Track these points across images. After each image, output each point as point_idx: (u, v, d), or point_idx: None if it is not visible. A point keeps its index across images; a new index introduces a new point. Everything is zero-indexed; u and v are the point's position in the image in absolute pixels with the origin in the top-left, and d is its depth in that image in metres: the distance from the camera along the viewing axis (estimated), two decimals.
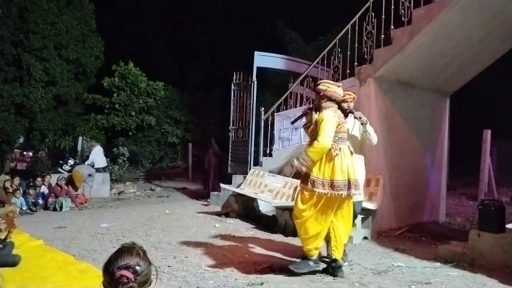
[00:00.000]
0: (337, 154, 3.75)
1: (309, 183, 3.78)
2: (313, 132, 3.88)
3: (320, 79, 7.39)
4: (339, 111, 3.95)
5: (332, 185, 3.74)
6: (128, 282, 1.51)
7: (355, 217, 4.22)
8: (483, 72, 7.00)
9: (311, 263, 3.93)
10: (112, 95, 14.75)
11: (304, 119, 4.22)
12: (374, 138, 4.40)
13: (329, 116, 3.75)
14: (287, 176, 3.85)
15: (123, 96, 14.74)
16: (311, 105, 4.14)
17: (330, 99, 3.89)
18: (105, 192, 10.38)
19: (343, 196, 3.77)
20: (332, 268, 3.94)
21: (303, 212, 3.84)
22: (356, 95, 4.50)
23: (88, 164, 10.66)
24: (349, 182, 3.77)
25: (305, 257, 3.99)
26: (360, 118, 4.31)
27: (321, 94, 3.91)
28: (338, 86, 4.00)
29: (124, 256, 1.57)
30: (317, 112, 3.95)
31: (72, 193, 8.76)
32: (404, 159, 6.41)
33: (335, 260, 3.92)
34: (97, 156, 11.18)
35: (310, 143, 3.84)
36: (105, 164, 11.48)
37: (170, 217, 7.24)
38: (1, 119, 10.69)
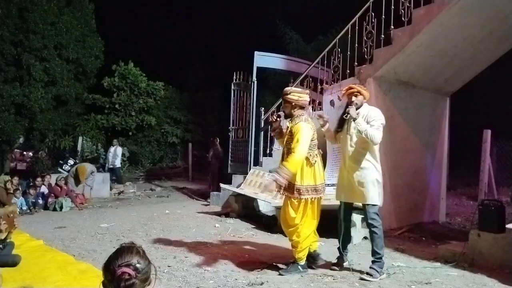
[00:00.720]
0: (315, 161, 3.98)
1: (295, 192, 3.94)
2: (288, 141, 4.01)
3: (321, 80, 7.45)
4: (310, 118, 4.09)
5: (316, 190, 3.97)
6: (130, 278, 1.53)
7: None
8: (483, 72, 6.99)
9: (300, 267, 4.05)
10: (112, 95, 14.76)
11: (272, 125, 4.35)
12: (371, 136, 3.80)
13: (306, 129, 3.89)
14: (272, 192, 3.84)
15: (123, 96, 14.75)
16: (279, 113, 4.23)
17: (301, 107, 4.05)
18: (105, 192, 10.38)
19: (322, 197, 4.07)
20: (313, 257, 4.14)
21: (296, 220, 3.97)
22: (361, 89, 4.04)
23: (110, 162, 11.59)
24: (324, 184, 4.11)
25: (294, 261, 4.09)
26: (347, 114, 3.92)
27: (293, 104, 4.02)
28: (306, 93, 4.18)
29: (125, 255, 1.59)
30: (289, 120, 4.09)
31: (72, 193, 8.76)
32: (404, 159, 6.41)
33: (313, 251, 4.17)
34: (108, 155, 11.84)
35: (287, 155, 3.94)
36: (119, 165, 12.08)
37: (170, 217, 7.24)
38: (1, 119, 10.70)
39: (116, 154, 11.85)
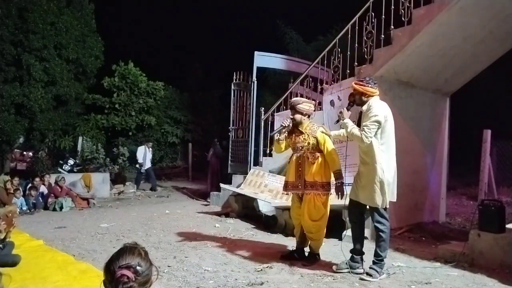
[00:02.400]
0: None
1: (325, 187, 4.31)
2: (308, 146, 4.34)
3: (321, 80, 7.45)
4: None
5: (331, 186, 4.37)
6: (128, 281, 1.53)
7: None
8: (483, 72, 6.98)
9: (318, 257, 4.46)
10: (112, 95, 14.75)
11: (282, 131, 4.59)
12: (354, 138, 3.92)
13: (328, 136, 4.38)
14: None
15: (123, 96, 14.74)
16: (289, 123, 4.46)
17: (309, 116, 4.46)
18: (105, 192, 10.37)
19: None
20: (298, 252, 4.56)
21: (324, 213, 4.36)
22: (359, 87, 3.93)
23: (139, 165, 11.61)
24: None
25: (313, 253, 4.46)
26: (338, 120, 4.11)
27: (304, 113, 4.39)
28: (312, 103, 4.63)
29: (126, 256, 1.59)
30: (298, 126, 4.42)
31: (73, 193, 8.74)
32: (404, 159, 6.38)
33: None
34: (140, 156, 11.63)
35: (313, 154, 4.32)
36: (149, 165, 11.85)
37: (170, 217, 7.25)
38: (1, 119, 10.69)
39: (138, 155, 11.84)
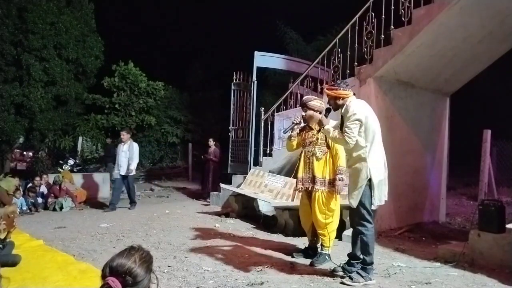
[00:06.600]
0: None
1: (330, 185, 4.34)
2: (316, 141, 4.44)
3: (321, 80, 7.45)
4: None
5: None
6: None
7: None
8: (483, 72, 6.99)
9: (327, 257, 4.36)
10: (112, 95, 14.75)
11: (294, 128, 4.61)
12: (338, 141, 3.87)
13: None
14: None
15: (123, 96, 14.75)
16: (300, 120, 4.51)
17: (320, 112, 4.39)
18: (105, 192, 10.38)
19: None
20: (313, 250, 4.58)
21: (335, 209, 4.41)
22: (331, 92, 3.86)
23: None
24: None
25: (322, 251, 4.40)
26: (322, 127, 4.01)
27: (315, 109, 4.42)
28: (323, 101, 4.61)
29: (121, 260, 1.55)
30: (308, 123, 4.53)
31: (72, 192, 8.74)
32: (404, 159, 6.40)
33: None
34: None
35: (321, 149, 4.42)
36: (123, 171, 8.11)
37: (170, 217, 7.25)
38: (1, 119, 10.69)
39: (132, 153, 8.02)
